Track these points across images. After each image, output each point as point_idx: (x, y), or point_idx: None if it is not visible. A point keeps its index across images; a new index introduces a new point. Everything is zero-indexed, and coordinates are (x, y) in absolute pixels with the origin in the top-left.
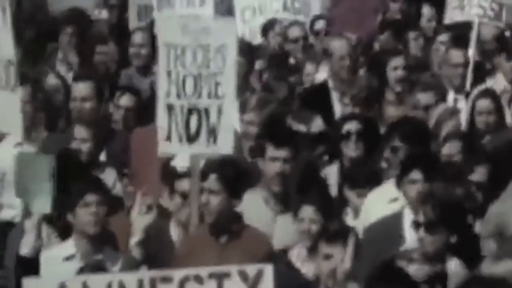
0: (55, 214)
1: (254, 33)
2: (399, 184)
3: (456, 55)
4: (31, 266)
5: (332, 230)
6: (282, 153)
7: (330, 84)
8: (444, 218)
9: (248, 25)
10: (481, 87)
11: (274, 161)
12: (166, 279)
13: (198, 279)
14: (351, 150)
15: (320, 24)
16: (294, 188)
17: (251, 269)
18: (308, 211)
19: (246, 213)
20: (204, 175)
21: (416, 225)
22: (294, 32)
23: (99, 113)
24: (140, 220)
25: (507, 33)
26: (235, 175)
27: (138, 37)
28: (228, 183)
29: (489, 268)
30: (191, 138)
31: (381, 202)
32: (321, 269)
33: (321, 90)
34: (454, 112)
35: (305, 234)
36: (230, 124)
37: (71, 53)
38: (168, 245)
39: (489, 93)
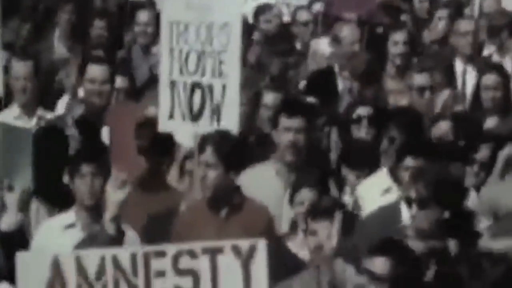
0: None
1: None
2: (394, 171)
3: (464, 24)
4: (16, 241)
5: (320, 207)
6: (295, 122)
7: (336, 68)
8: (436, 194)
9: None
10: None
11: (287, 131)
12: (160, 254)
13: (192, 253)
14: (362, 133)
15: (317, 7)
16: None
17: (244, 244)
18: (309, 195)
19: (256, 186)
20: (200, 148)
21: (409, 202)
22: (303, 16)
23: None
24: (114, 195)
25: None
26: (232, 148)
27: (143, 16)
28: (225, 156)
29: (488, 244)
30: (194, 116)
31: (374, 192)
32: (308, 245)
33: (328, 74)
34: (459, 96)
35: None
36: (235, 103)
37: (69, 32)
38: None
39: (496, 67)
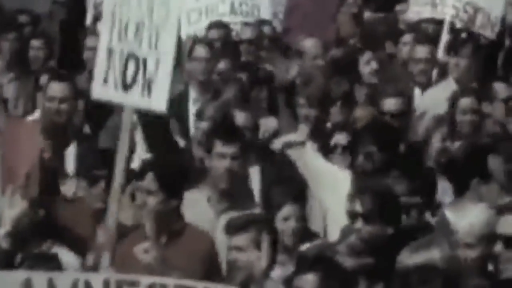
0: None
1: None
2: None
3: (420, 51)
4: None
5: (237, 222)
6: (230, 149)
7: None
8: (381, 209)
9: (193, 27)
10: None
11: (222, 157)
12: (133, 283)
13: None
14: (339, 162)
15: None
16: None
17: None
18: (292, 210)
19: (186, 212)
20: (140, 175)
21: (353, 215)
22: (246, 33)
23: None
24: (8, 211)
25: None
26: (172, 173)
27: (91, 41)
28: (165, 182)
29: (409, 258)
30: (126, 86)
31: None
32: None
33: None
34: (442, 119)
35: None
36: (167, 82)
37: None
38: None
39: (472, 91)
